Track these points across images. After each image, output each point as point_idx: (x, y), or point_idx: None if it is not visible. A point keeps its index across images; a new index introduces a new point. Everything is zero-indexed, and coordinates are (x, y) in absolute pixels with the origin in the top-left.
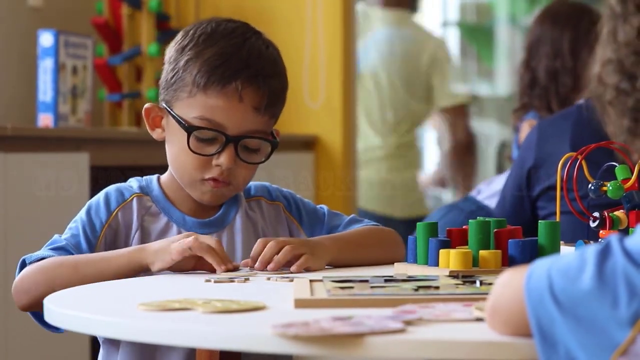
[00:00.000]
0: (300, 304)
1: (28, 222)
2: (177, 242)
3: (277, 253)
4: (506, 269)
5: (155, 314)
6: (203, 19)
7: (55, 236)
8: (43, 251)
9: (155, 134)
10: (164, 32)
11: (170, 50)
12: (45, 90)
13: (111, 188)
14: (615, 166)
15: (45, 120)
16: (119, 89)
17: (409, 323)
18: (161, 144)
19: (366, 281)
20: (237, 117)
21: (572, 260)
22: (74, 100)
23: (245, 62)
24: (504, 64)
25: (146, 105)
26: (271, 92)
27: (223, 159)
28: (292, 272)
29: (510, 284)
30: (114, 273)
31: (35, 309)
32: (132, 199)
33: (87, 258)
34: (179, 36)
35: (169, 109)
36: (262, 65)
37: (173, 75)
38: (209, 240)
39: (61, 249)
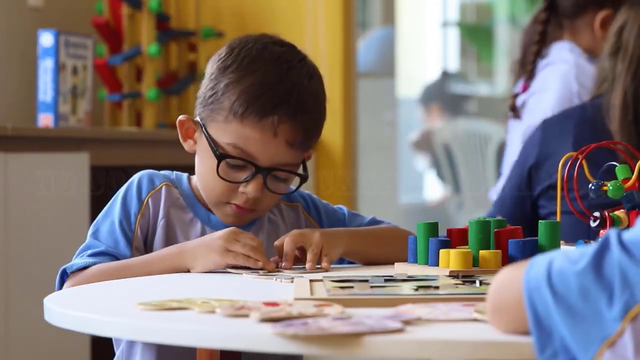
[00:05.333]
0: None
1: (28, 222)
2: (220, 244)
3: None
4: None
5: (155, 313)
6: (251, 34)
7: (90, 239)
8: (84, 259)
9: (187, 145)
10: (164, 32)
11: (213, 66)
12: (45, 90)
13: (143, 175)
14: (616, 166)
15: (45, 120)
16: (119, 89)
17: (408, 323)
18: (160, 144)
19: (366, 281)
20: (270, 150)
21: (573, 253)
22: (74, 100)
23: (286, 96)
24: (503, 64)
25: (180, 117)
26: (307, 128)
27: (250, 188)
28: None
29: (510, 281)
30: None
31: None
32: (162, 187)
33: (128, 266)
34: (223, 51)
35: (204, 128)
36: (302, 100)
37: (212, 95)
38: (251, 240)
39: (102, 255)
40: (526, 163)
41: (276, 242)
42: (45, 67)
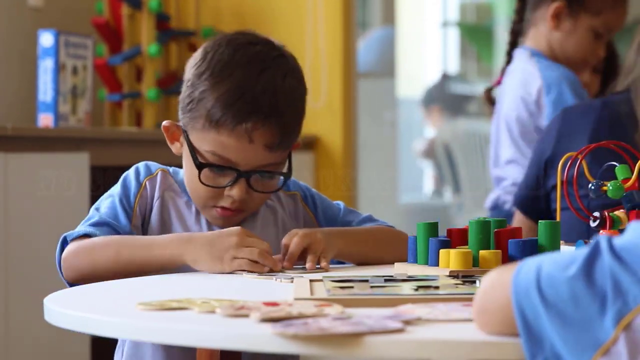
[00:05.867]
0: None
1: (28, 221)
2: (230, 253)
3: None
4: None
5: (155, 313)
6: (227, 34)
7: (93, 211)
8: (84, 227)
9: (174, 148)
10: (164, 32)
11: (190, 71)
12: (45, 90)
13: (141, 163)
14: (616, 166)
15: (45, 120)
16: (119, 89)
17: (408, 323)
18: (160, 144)
19: (366, 281)
20: (248, 156)
21: (562, 258)
22: (74, 100)
23: (258, 101)
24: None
25: (164, 123)
26: (284, 130)
27: (235, 192)
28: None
29: (499, 283)
30: (155, 267)
31: (82, 283)
32: (158, 172)
33: (129, 244)
34: (198, 55)
35: (186, 134)
36: (277, 102)
37: (189, 102)
38: (259, 244)
39: (101, 224)
40: (543, 155)
41: (284, 241)
42: (45, 67)
